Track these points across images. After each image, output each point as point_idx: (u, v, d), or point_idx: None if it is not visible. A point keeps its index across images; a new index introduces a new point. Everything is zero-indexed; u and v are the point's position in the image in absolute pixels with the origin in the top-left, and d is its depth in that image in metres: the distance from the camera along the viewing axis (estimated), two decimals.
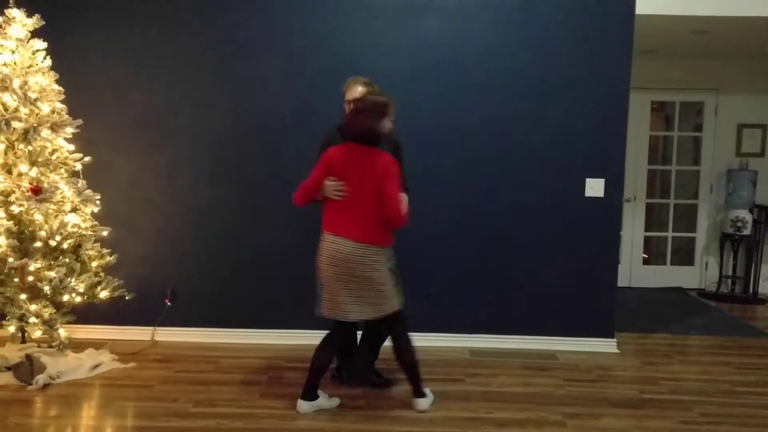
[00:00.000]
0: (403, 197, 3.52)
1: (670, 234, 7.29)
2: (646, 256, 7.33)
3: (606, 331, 4.83)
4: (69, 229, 4.12)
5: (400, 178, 3.45)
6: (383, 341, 4.00)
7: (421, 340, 4.74)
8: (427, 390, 3.70)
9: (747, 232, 6.72)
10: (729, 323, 5.83)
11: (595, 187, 4.70)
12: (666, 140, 7.30)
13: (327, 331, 3.72)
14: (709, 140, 7.10)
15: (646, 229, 7.28)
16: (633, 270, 7.24)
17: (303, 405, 3.59)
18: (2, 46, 4.04)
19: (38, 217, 3.99)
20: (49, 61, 4.18)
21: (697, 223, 7.23)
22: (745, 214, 6.71)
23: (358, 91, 3.72)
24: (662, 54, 6.42)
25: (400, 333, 3.63)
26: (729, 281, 6.98)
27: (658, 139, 7.33)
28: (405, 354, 3.62)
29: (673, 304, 6.48)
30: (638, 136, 6.99)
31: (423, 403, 3.65)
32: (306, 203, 3.54)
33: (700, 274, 7.25)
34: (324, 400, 3.66)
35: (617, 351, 4.81)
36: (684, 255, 7.35)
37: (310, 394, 3.60)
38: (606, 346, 4.82)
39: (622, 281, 6.70)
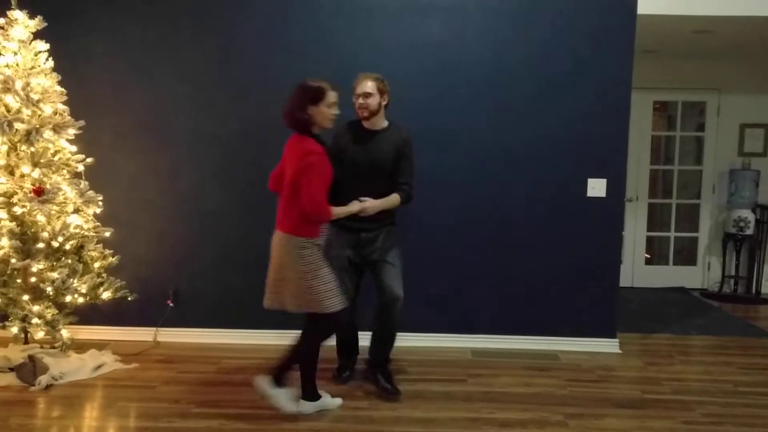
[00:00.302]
0: (374, 202, 3.64)
1: (672, 234, 7.29)
2: (649, 256, 7.32)
3: (608, 332, 4.83)
4: (71, 230, 4.13)
5: (322, 170, 3.31)
6: (388, 342, 3.99)
7: (422, 340, 4.78)
8: (324, 398, 3.65)
9: (749, 231, 6.71)
10: (732, 323, 5.82)
11: (597, 188, 4.69)
12: (668, 140, 7.29)
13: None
14: (712, 140, 7.09)
15: (649, 229, 7.28)
16: (635, 270, 7.23)
17: (309, 405, 3.60)
18: (4, 47, 4.05)
19: (41, 219, 4.00)
20: (51, 63, 4.19)
21: (699, 223, 7.22)
22: (748, 214, 6.70)
23: (367, 85, 3.72)
24: (664, 54, 6.42)
25: (314, 334, 3.53)
26: (732, 281, 6.98)
27: (661, 139, 7.32)
28: (300, 351, 3.57)
29: (675, 305, 6.47)
30: (640, 136, 6.99)
31: (308, 405, 3.59)
32: (277, 190, 3.56)
33: (702, 274, 7.24)
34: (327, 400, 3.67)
35: (619, 351, 4.81)
36: (686, 255, 7.34)
37: (315, 395, 3.62)
38: (608, 346, 4.81)
39: (625, 281, 6.71)
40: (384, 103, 3.80)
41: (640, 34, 4.65)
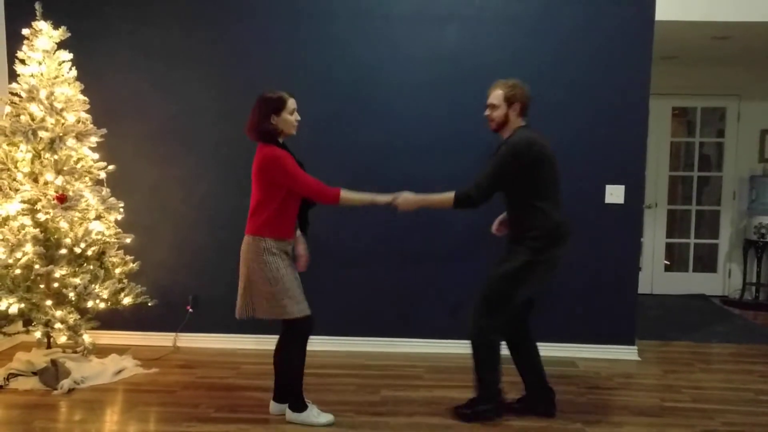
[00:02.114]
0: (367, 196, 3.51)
1: (692, 241, 7.23)
2: (668, 262, 7.27)
3: (627, 339, 4.80)
4: (93, 236, 4.19)
5: (292, 162, 3.36)
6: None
7: (440, 346, 4.78)
8: (311, 409, 3.56)
9: None
10: (753, 331, 5.75)
11: (615, 194, 4.68)
12: (688, 146, 7.24)
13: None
14: (732, 146, 7.03)
15: (668, 236, 7.23)
16: (655, 277, 7.18)
17: (295, 416, 3.56)
18: (29, 57, 4.13)
19: (63, 225, 4.06)
20: (74, 72, 4.26)
21: (720, 229, 7.16)
22: None
23: (493, 95, 3.50)
24: (684, 60, 6.39)
25: (288, 340, 3.53)
26: (753, 288, 6.90)
27: (680, 145, 7.28)
28: (282, 359, 3.56)
29: (695, 312, 6.41)
30: (659, 142, 6.95)
31: (293, 415, 3.54)
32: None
33: (723, 281, 7.17)
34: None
35: (638, 359, 4.78)
36: (707, 262, 7.28)
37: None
38: (627, 353, 4.79)
39: (644, 288, 6.67)
40: (514, 112, 3.47)
41: (658, 40, 4.63)
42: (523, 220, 3.48)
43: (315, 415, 3.55)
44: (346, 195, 3.43)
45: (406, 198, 3.53)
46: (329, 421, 3.55)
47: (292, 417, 3.55)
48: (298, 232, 3.59)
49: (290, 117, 3.45)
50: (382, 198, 3.53)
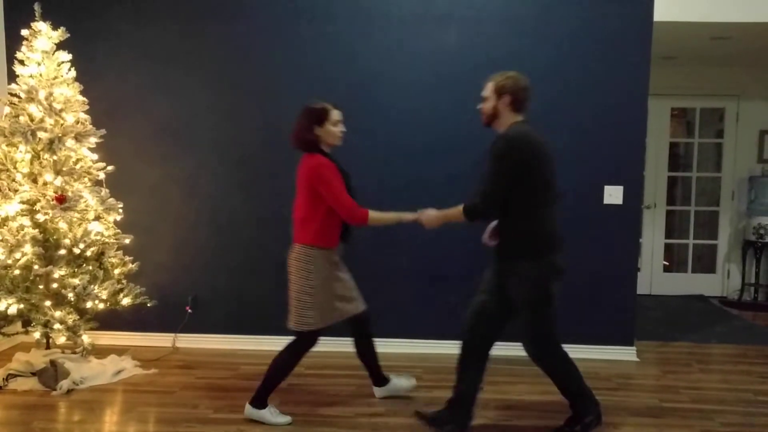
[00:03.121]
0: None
1: (691, 241, 7.23)
2: (667, 263, 7.27)
3: (626, 339, 4.81)
4: (92, 237, 4.19)
5: (336, 176, 3.39)
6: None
7: (441, 347, 4.78)
8: (269, 408, 3.58)
9: None
10: (752, 331, 5.76)
11: (613, 195, 4.68)
12: (687, 146, 7.25)
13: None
14: (731, 147, 7.04)
15: (667, 237, 7.23)
16: (654, 277, 7.19)
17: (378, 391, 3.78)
18: (29, 58, 4.13)
19: (62, 226, 4.06)
20: (73, 73, 4.26)
21: (718, 230, 7.16)
22: None
23: (486, 87, 3.33)
24: (682, 60, 6.39)
25: (292, 348, 3.59)
26: (752, 289, 6.90)
27: (679, 146, 7.28)
28: (278, 361, 3.58)
29: (694, 312, 6.42)
30: (658, 143, 6.96)
31: (251, 410, 3.56)
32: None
33: (722, 281, 7.18)
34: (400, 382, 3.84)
35: (637, 359, 4.78)
36: (705, 262, 7.28)
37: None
38: (626, 354, 4.79)
39: (643, 289, 6.66)
40: (504, 105, 3.27)
41: (657, 40, 4.64)
42: (513, 229, 3.27)
43: (272, 413, 3.58)
44: (374, 215, 3.49)
45: (429, 215, 3.50)
46: (287, 421, 3.58)
47: (249, 411, 3.58)
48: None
49: (334, 128, 3.51)
50: (408, 216, 3.57)
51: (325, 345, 4.56)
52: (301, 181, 3.49)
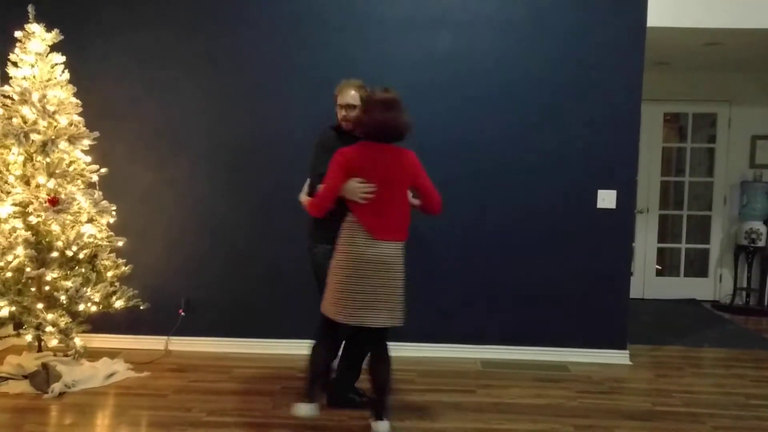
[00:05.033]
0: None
1: (683, 246, 7.26)
2: (660, 267, 7.30)
3: (619, 343, 4.82)
4: (85, 239, 4.18)
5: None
6: (364, 358, 3.76)
7: (432, 351, 4.79)
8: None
9: (761, 244, 6.68)
10: (743, 336, 5.79)
11: (606, 199, 4.70)
12: (679, 152, 7.29)
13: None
14: (723, 152, 7.08)
15: (660, 241, 7.26)
16: (646, 282, 7.21)
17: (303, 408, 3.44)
18: (22, 60, 4.12)
19: (55, 228, 4.05)
20: (67, 75, 4.25)
21: (711, 234, 7.20)
22: (760, 226, 6.67)
23: (350, 95, 3.57)
24: (675, 66, 6.43)
25: (383, 349, 3.42)
26: (743, 293, 6.94)
27: (672, 151, 7.32)
28: (382, 373, 3.39)
29: (686, 317, 6.44)
30: (651, 148, 6.99)
31: (383, 426, 3.34)
32: (326, 212, 3.36)
33: (714, 286, 7.21)
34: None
35: (630, 363, 4.80)
36: (698, 267, 7.31)
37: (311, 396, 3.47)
38: (618, 357, 4.80)
39: (635, 293, 6.70)
40: None
41: (650, 46, 4.66)
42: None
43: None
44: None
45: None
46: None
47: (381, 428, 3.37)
48: None
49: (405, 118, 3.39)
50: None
51: None
52: (400, 175, 3.31)
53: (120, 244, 4.42)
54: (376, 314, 3.26)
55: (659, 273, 7.30)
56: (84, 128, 4.25)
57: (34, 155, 4.07)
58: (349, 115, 3.56)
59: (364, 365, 3.74)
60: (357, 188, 3.26)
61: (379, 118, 3.27)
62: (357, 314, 3.26)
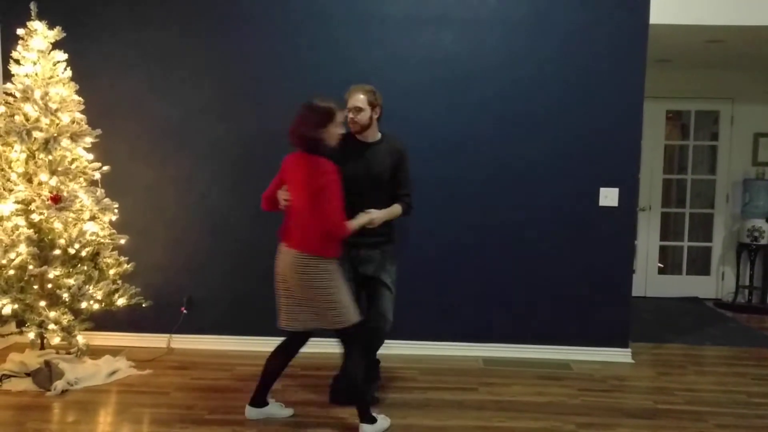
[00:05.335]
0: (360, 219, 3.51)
1: (685, 243, 7.25)
2: (662, 265, 7.29)
3: (621, 341, 4.82)
4: (87, 237, 4.18)
5: (339, 188, 3.30)
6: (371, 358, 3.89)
7: (435, 349, 4.79)
8: (380, 417, 3.51)
9: (764, 241, 6.67)
10: (746, 334, 5.78)
11: (609, 197, 4.69)
12: (682, 149, 7.28)
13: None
14: (725, 149, 7.06)
15: (662, 239, 7.25)
16: (648, 279, 7.20)
17: (251, 411, 3.62)
18: (24, 57, 4.12)
19: (58, 226, 4.05)
20: (69, 72, 4.25)
21: (713, 232, 7.19)
22: (762, 224, 6.66)
23: (359, 99, 3.67)
24: (678, 63, 6.41)
25: (354, 349, 3.48)
26: (746, 291, 6.93)
27: (674, 148, 7.30)
28: (353, 371, 3.46)
29: (688, 314, 6.44)
30: (653, 145, 6.98)
31: (369, 429, 3.43)
32: (271, 210, 3.57)
33: (716, 284, 7.20)
34: (274, 409, 3.67)
35: (632, 361, 4.80)
36: (700, 265, 7.30)
37: (258, 401, 3.63)
38: (621, 355, 4.80)
39: (638, 291, 6.69)
40: (376, 116, 3.73)
41: (653, 44, 4.65)
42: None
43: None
44: (350, 226, 3.45)
45: (379, 215, 3.64)
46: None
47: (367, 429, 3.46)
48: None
49: (335, 130, 3.39)
50: (364, 219, 3.56)
51: (320, 347, 4.56)
52: (300, 182, 3.36)
53: (122, 241, 4.43)
54: (305, 318, 3.44)
55: (661, 271, 7.29)
56: (86, 126, 4.25)
57: (37, 153, 4.07)
58: (355, 118, 3.68)
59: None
60: (280, 195, 3.49)
61: (304, 132, 3.34)
62: (283, 318, 3.51)
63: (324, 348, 4.76)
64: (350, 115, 3.68)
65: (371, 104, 3.69)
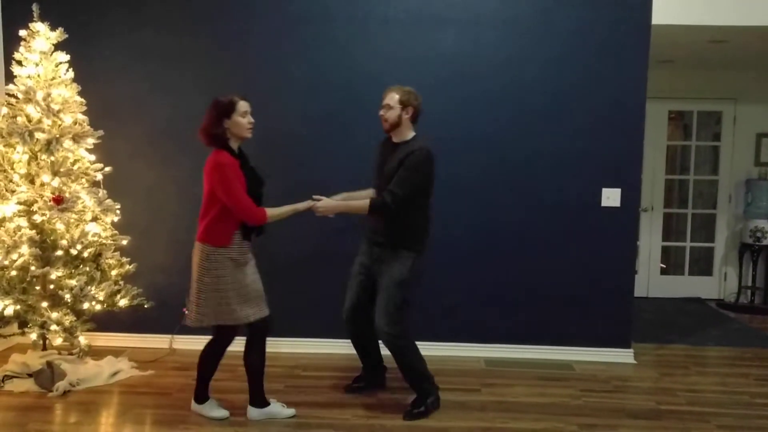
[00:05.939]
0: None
1: (688, 244, 7.24)
2: (664, 266, 7.28)
3: (623, 342, 4.81)
4: (89, 238, 4.19)
5: (237, 177, 3.38)
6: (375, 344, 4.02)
7: (436, 349, 4.78)
8: (272, 402, 3.71)
9: (766, 242, 6.66)
10: (748, 334, 5.77)
11: (611, 197, 4.69)
12: (684, 150, 7.27)
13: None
14: (728, 150, 7.05)
15: (664, 239, 7.23)
16: (651, 280, 7.19)
17: (252, 412, 3.67)
18: (26, 58, 4.13)
19: (60, 227, 4.06)
20: (71, 73, 4.26)
21: (715, 232, 7.17)
22: (765, 224, 6.64)
23: (389, 97, 3.72)
24: (680, 64, 6.40)
25: (255, 341, 3.66)
26: (748, 292, 6.91)
27: (677, 149, 7.30)
28: (251, 359, 3.64)
29: (691, 315, 6.42)
30: (656, 146, 6.96)
31: (254, 411, 3.64)
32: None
33: (718, 284, 7.18)
34: (277, 409, 3.71)
35: (634, 362, 4.79)
36: (702, 265, 7.29)
37: (201, 397, 3.71)
38: (623, 356, 4.79)
39: (640, 291, 6.67)
40: (407, 116, 3.71)
41: (655, 44, 4.65)
42: (406, 222, 3.70)
43: (280, 407, 3.71)
44: (272, 212, 3.52)
45: (326, 204, 3.68)
46: (292, 413, 3.70)
47: (252, 413, 3.63)
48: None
49: (242, 119, 3.47)
50: (303, 205, 3.64)
51: (321, 347, 4.57)
52: (205, 177, 3.44)
53: (124, 242, 4.43)
54: (198, 312, 3.55)
55: (664, 271, 7.28)
56: (88, 127, 4.26)
57: (39, 154, 4.08)
58: (384, 115, 3.73)
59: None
60: None
61: (203, 124, 3.47)
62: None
63: (324, 348, 4.78)
64: (380, 112, 3.74)
65: (402, 104, 3.69)
